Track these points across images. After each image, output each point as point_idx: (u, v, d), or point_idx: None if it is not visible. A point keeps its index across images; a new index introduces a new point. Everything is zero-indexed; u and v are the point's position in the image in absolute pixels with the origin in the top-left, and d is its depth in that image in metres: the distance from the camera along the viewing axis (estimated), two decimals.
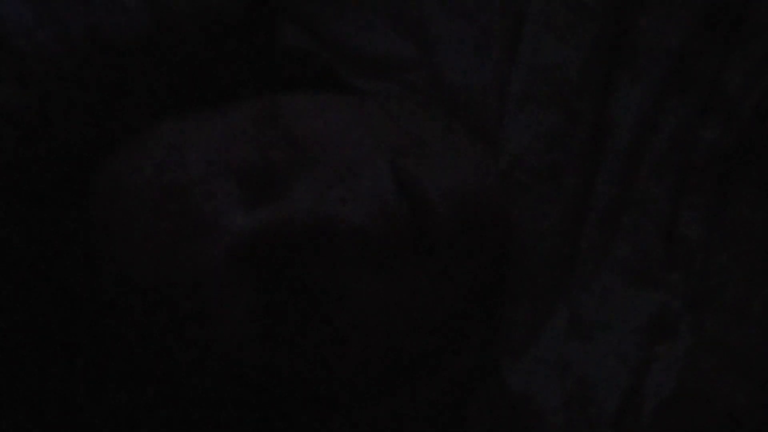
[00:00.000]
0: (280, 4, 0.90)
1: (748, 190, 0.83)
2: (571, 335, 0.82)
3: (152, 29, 0.84)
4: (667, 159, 0.83)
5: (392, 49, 0.87)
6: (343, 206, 0.74)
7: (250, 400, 0.79)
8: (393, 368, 0.80)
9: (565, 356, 0.81)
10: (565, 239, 0.83)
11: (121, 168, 0.79)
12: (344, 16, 0.88)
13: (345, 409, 0.82)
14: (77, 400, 0.78)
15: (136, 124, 0.82)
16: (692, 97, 0.83)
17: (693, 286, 0.82)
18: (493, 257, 0.80)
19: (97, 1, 0.82)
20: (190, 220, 0.75)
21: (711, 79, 0.83)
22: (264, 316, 0.75)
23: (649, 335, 0.81)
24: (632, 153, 0.83)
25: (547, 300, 0.82)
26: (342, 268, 0.75)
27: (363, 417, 0.82)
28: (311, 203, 0.75)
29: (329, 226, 0.74)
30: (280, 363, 0.77)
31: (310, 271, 0.75)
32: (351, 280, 0.75)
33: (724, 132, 0.83)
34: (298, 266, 0.75)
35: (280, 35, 0.89)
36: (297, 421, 0.81)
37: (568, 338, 0.82)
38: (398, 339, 0.78)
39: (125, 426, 0.78)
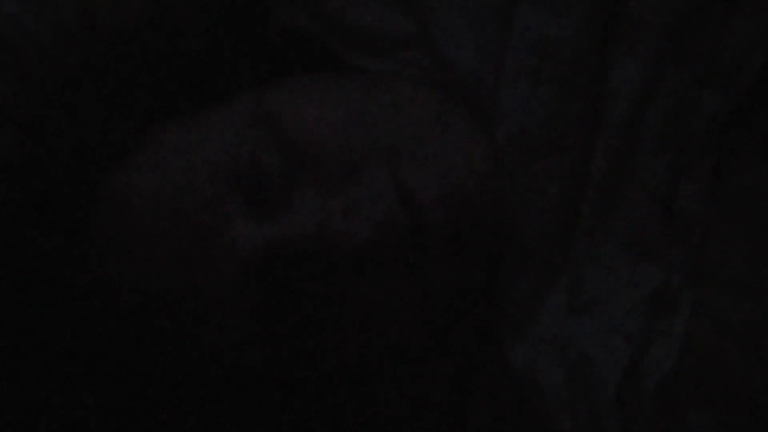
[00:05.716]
0: None
1: (749, 162, 0.83)
2: (572, 311, 0.83)
3: (146, 9, 0.83)
4: (665, 131, 0.83)
5: (389, 25, 0.85)
6: (346, 220, 0.75)
7: (251, 400, 0.81)
8: (391, 362, 0.81)
9: (565, 332, 0.82)
10: (564, 215, 0.83)
11: (125, 188, 0.78)
12: None
13: (346, 403, 0.83)
14: (78, 401, 0.79)
15: (136, 112, 0.81)
16: (690, 67, 0.83)
17: (693, 260, 0.82)
18: (490, 251, 0.81)
19: None
20: (194, 237, 0.75)
21: (709, 50, 0.83)
22: (266, 320, 0.76)
23: (650, 310, 0.82)
24: (630, 126, 0.83)
25: (547, 276, 0.83)
26: (343, 278, 0.76)
27: (365, 406, 0.83)
28: (315, 217, 0.75)
29: (334, 242, 0.74)
30: (281, 362, 0.78)
31: (313, 281, 0.76)
32: (351, 286, 0.76)
33: (723, 102, 0.82)
34: (302, 279, 0.76)
35: (275, 13, 0.87)
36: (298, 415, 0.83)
37: (568, 314, 0.82)
38: (395, 336, 0.79)
39: (125, 426, 0.80)
